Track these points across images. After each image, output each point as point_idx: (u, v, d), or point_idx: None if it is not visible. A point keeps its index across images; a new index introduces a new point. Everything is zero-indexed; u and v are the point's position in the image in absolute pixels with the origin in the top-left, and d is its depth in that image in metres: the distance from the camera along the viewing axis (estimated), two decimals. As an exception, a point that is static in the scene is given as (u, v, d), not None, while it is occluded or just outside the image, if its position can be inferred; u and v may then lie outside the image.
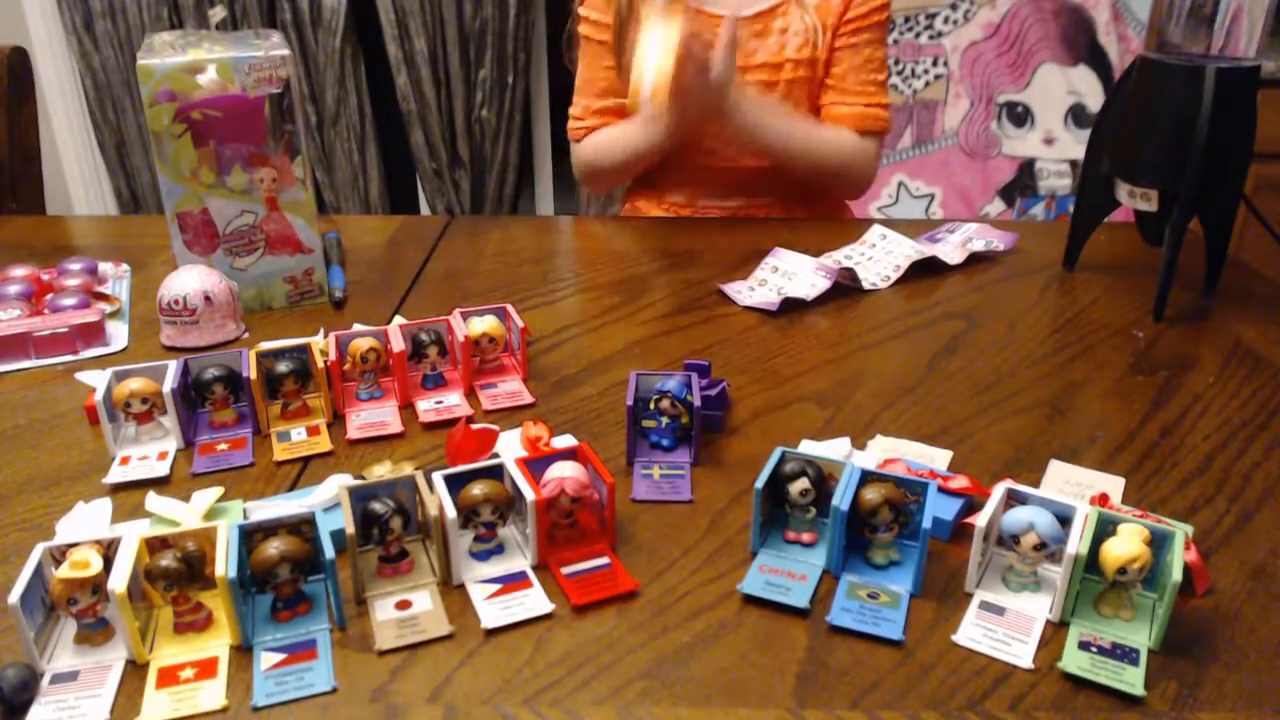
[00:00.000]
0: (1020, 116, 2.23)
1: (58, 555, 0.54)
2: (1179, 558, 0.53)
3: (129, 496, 0.67)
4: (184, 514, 0.61)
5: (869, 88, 1.22)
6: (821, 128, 1.22)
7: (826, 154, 1.21)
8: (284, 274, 0.96)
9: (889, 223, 1.15)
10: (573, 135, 1.30)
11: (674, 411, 0.71)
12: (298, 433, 0.74)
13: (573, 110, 1.30)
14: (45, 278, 1.00)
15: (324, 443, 0.73)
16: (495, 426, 0.69)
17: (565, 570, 0.59)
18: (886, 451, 0.71)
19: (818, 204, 1.34)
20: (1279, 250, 0.94)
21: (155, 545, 0.55)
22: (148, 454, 0.71)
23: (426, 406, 0.78)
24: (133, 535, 0.54)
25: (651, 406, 0.71)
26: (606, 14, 1.21)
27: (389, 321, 0.91)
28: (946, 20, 2.17)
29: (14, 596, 0.50)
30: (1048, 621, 0.56)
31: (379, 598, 0.57)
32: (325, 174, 2.36)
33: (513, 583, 0.58)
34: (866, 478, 0.60)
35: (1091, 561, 0.55)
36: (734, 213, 1.29)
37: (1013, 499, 0.59)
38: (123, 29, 2.26)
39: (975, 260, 1.09)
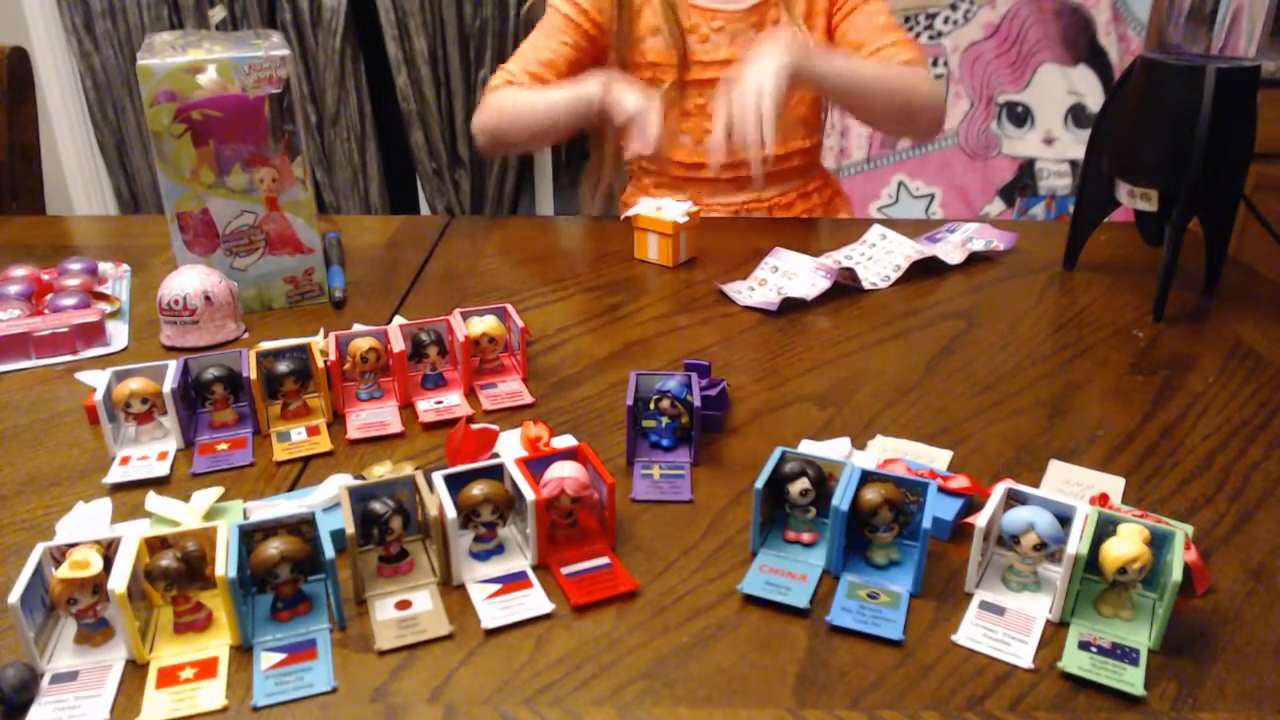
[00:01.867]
0: (1020, 116, 2.23)
1: (58, 555, 0.54)
2: (1179, 558, 0.53)
3: (129, 496, 0.67)
4: (184, 514, 0.61)
5: (889, 34, 1.18)
6: (884, 64, 1.17)
7: (899, 84, 1.16)
8: (284, 274, 0.96)
9: (889, 223, 1.15)
10: (492, 83, 1.22)
11: (674, 411, 0.71)
12: (298, 433, 0.74)
13: (507, 65, 1.23)
14: (45, 278, 1.00)
15: (324, 443, 0.73)
16: (495, 426, 0.69)
17: (565, 570, 0.59)
18: (886, 451, 0.70)
19: (822, 199, 1.34)
20: (1279, 250, 0.94)
21: (155, 545, 0.55)
22: (148, 454, 0.71)
23: (426, 406, 0.78)
24: (133, 535, 0.54)
25: (651, 406, 0.71)
26: (594, 6, 1.21)
27: (389, 321, 0.91)
28: (946, 20, 2.17)
29: (14, 596, 0.50)
30: (1048, 621, 0.56)
31: (379, 598, 0.57)
32: (325, 174, 2.36)
33: (513, 583, 0.58)
34: (866, 478, 0.60)
35: (1091, 561, 0.55)
36: (739, 209, 1.29)
37: (1013, 499, 0.59)
38: (123, 29, 2.26)
39: (975, 260, 1.09)
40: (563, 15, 1.22)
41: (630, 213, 1.09)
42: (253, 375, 0.73)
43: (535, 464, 0.61)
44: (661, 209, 1.07)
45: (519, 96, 1.19)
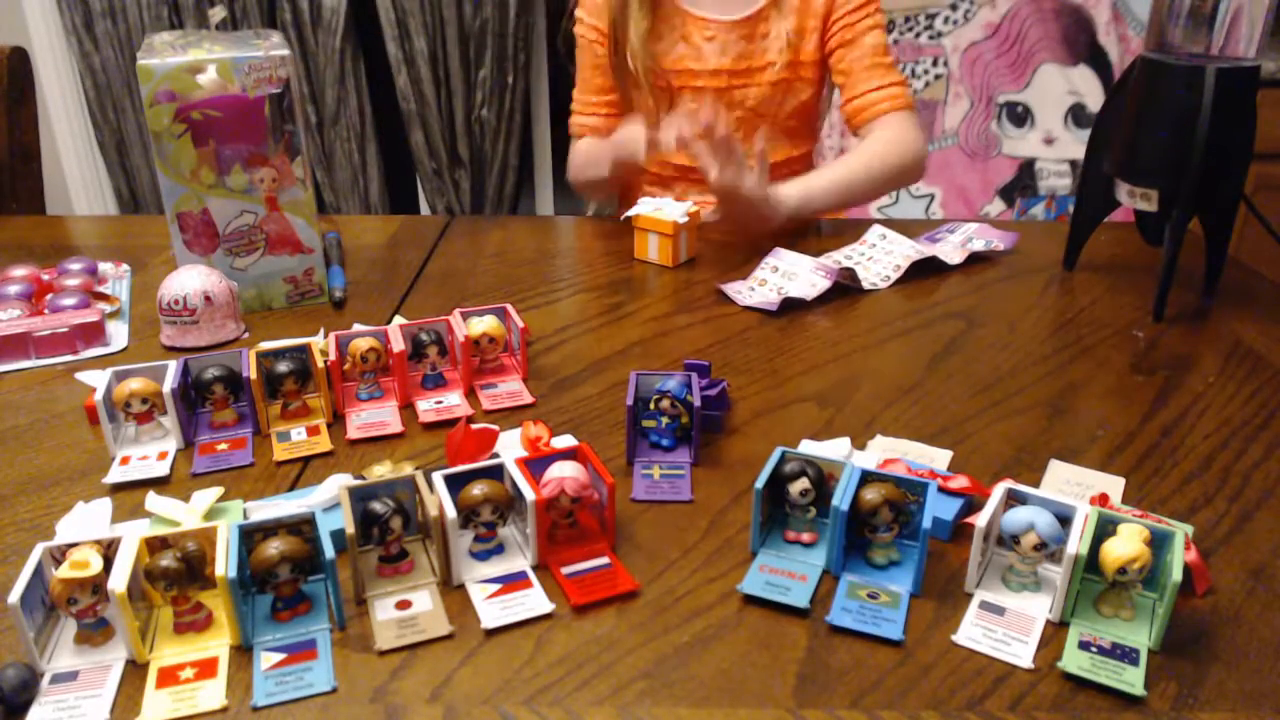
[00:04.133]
0: (1020, 116, 2.23)
1: (58, 555, 0.54)
2: (1179, 558, 0.53)
3: (129, 496, 0.67)
4: (184, 514, 0.61)
5: (876, 73, 1.20)
6: (856, 158, 1.20)
7: (882, 172, 1.20)
8: (284, 274, 0.96)
9: (889, 223, 1.15)
10: (571, 131, 1.33)
11: (674, 411, 0.71)
12: (298, 433, 0.74)
13: (573, 105, 1.32)
14: (45, 278, 1.00)
15: (324, 443, 0.73)
16: (495, 426, 0.69)
17: (565, 570, 0.59)
18: (886, 451, 0.70)
19: None
20: (1279, 250, 0.94)
21: (155, 545, 0.55)
22: (148, 454, 0.71)
23: (426, 406, 0.78)
24: (133, 535, 0.54)
25: (651, 406, 0.71)
26: (599, 18, 1.23)
27: (389, 321, 0.91)
28: (946, 20, 2.17)
29: (14, 596, 0.50)
30: (1048, 621, 0.56)
31: (379, 598, 0.57)
32: (325, 174, 2.36)
33: (513, 583, 0.58)
34: (866, 478, 0.60)
35: (1091, 561, 0.55)
36: None
37: (1013, 499, 0.59)
38: (123, 29, 2.26)
39: (975, 260, 1.09)
40: (589, 42, 1.26)
41: (630, 213, 1.09)
42: (253, 375, 0.73)
43: (535, 464, 0.61)
44: (661, 209, 1.07)
45: (588, 152, 1.28)
